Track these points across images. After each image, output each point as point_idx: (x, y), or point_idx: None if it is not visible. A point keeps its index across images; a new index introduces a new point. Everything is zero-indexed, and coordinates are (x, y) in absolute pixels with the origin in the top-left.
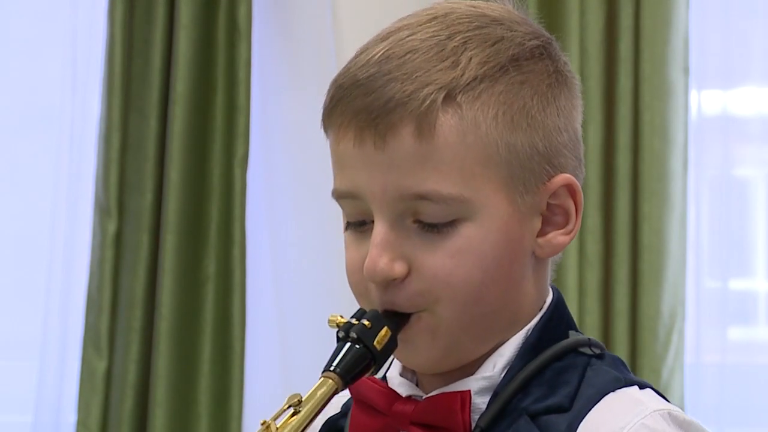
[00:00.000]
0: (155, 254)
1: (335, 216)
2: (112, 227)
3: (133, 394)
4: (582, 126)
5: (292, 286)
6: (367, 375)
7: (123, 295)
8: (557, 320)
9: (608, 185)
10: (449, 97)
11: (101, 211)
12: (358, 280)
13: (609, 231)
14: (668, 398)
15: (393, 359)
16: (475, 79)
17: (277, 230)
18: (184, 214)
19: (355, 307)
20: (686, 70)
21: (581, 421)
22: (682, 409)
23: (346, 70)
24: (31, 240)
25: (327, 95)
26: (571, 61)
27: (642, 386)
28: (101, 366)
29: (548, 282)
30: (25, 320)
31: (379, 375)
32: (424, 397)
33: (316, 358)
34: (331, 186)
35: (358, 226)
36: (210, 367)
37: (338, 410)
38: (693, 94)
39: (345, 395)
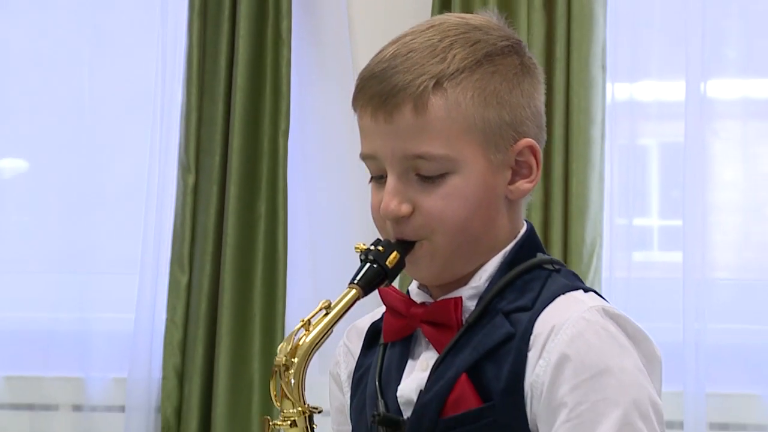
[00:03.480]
0: (222, 200)
1: (353, 173)
2: (191, 180)
3: (206, 300)
4: None
5: (322, 223)
6: (382, 286)
7: (199, 229)
8: (528, 246)
9: (547, 151)
10: (438, 84)
11: (183, 168)
12: (378, 217)
13: (548, 183)
14: None
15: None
16: (457, 70)
17: (309, 182)
18: (243, 170)
19: (366, 234)
20: (604, 68)
21: (538, 316)
22: None
23: (367, 65)
24: (134, 191)
25: (355, 84)
26: None
27: (586, 290)
28: (184, 279)
29: (522, 218)
30: (130, 246)
31: (404, 290)
32: (430, 303)
33: (340, 272)
34: (347, 150)
35: (378, 179)
36: (261, 280)
37: (379, 317)
38: (608, 86)
39: (384, 310)
